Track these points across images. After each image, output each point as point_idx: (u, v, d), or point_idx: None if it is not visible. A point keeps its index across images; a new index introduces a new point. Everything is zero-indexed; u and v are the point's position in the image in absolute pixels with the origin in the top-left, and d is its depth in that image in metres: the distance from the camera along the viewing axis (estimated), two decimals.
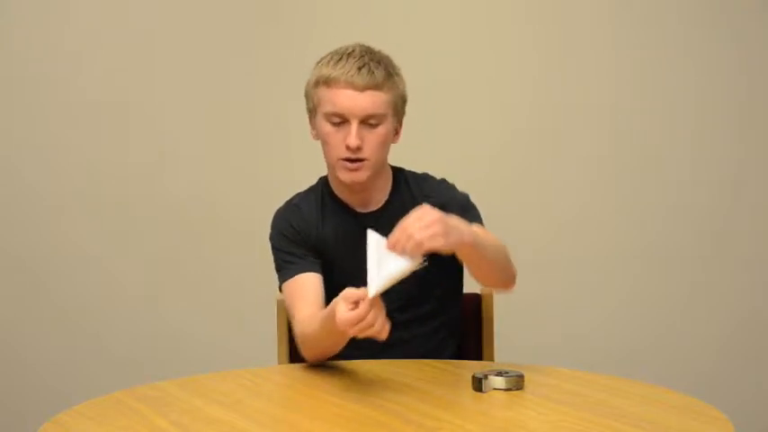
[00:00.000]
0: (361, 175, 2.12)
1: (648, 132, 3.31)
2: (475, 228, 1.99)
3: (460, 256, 1.98)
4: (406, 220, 1.83)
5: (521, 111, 3.34)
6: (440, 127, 3.26)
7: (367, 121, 2.09)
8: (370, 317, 1.80)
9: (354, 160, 2.10)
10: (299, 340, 2.11)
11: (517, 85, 3.33)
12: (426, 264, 1.83)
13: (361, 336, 1.83)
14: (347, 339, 1.94)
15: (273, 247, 2.23)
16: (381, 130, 2.11)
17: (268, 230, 2.25)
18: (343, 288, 1.85)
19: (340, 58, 2.11)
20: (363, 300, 1.80)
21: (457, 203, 2.15)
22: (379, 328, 1.81)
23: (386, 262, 1.81)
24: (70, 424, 1.72)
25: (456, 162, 3.21)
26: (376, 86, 2.08)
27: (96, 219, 3.33)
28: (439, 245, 1.81)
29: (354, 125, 2.08)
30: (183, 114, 3.33)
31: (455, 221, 1.88)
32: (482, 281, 2.11)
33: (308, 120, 2.20)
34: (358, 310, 1.80)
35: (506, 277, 2.11)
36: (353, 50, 2.12)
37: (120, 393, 1.89)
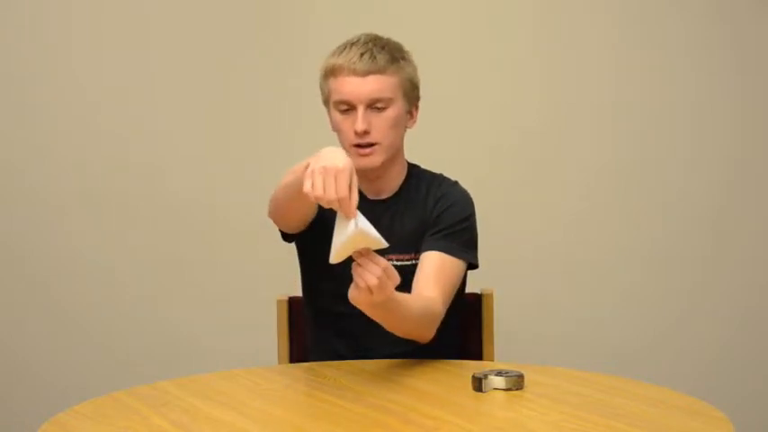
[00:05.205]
0: (374, 160, 2.16)
1: (649, 132, 3.31)
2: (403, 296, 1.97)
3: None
4: (380, 258, 1.83)
5: (522, 111, 3.33)
6: (441, 126, 3.25)
7: (374, 106, 2.14)
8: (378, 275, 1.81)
9: (366, 145, 2.14)
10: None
11: (519, 85, 3.33)
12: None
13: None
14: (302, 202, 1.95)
15: None
16: (390, 113, 2.15)
17: (269, 231, 2.26)
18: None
19: (345, 48, 2.17)
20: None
21: (448, 220, 2.17)
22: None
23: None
24: (70, 424, 1.72)
25: (457, 161, 3.20)
26: (378, 71, 2.13)
27: (96, 219, 3.33)
28: (373, 290, 1.81)
29: (360, 110, 2.12)
30: (183, 114, 3.33)
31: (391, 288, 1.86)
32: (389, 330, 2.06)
33: (326, 113, 2.23)
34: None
35: (413, 335, 2.08)
36: (359, 39, 2.18)
37: (120, 393, 1.89)
